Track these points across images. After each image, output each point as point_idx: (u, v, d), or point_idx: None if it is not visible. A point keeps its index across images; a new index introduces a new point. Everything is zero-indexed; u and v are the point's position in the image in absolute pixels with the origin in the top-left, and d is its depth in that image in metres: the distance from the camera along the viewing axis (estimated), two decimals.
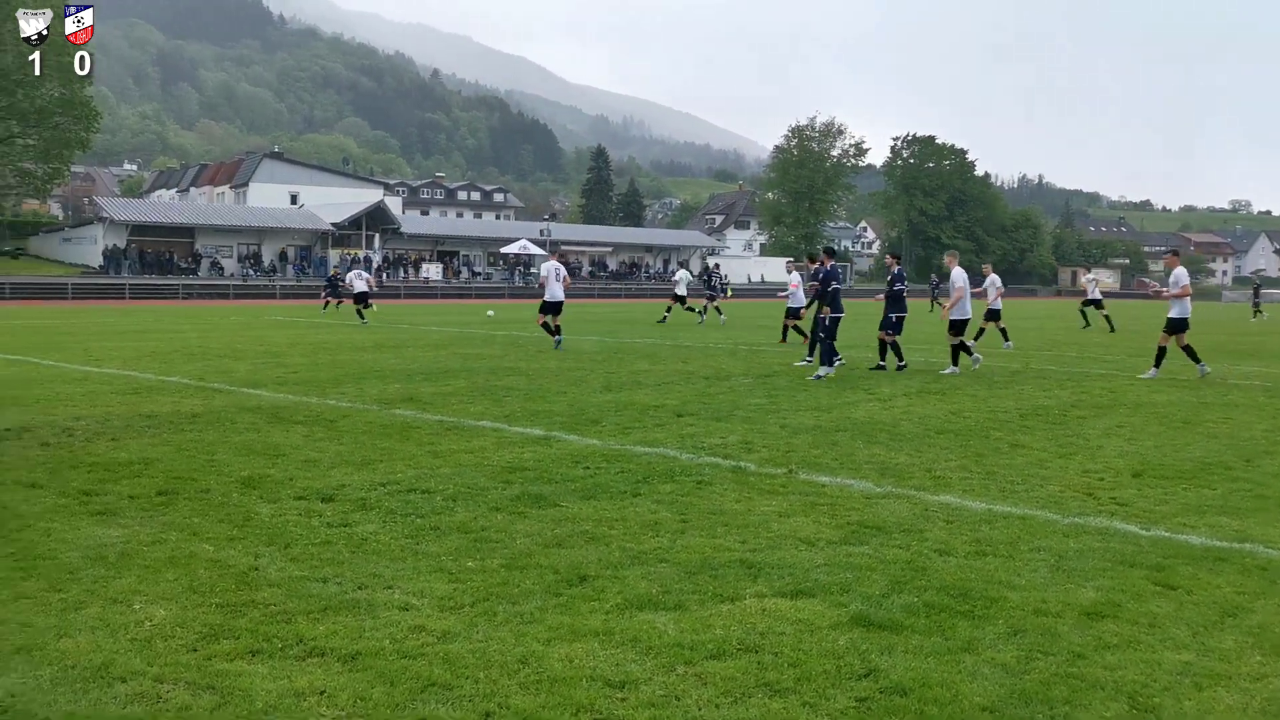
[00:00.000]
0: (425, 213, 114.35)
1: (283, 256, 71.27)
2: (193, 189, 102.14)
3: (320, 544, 5.92)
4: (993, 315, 22.65)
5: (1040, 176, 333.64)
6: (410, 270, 76.50)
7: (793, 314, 21.77)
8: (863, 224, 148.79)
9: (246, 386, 13.51)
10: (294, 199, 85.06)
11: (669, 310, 33.79)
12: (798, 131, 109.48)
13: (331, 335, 25.04)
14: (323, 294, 40.00)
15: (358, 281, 32.65)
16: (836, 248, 19.41)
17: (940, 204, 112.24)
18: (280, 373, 15.39)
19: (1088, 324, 32.35)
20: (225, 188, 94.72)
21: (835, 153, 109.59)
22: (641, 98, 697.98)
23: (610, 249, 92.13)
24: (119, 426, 9.97)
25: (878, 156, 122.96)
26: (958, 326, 16.92)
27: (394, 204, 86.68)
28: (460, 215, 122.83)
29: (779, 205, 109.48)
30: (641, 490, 7.52)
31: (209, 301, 52.77)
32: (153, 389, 13.09)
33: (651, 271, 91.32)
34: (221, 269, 68.30)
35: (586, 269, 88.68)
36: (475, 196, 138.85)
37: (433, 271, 76.21)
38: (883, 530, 6.45)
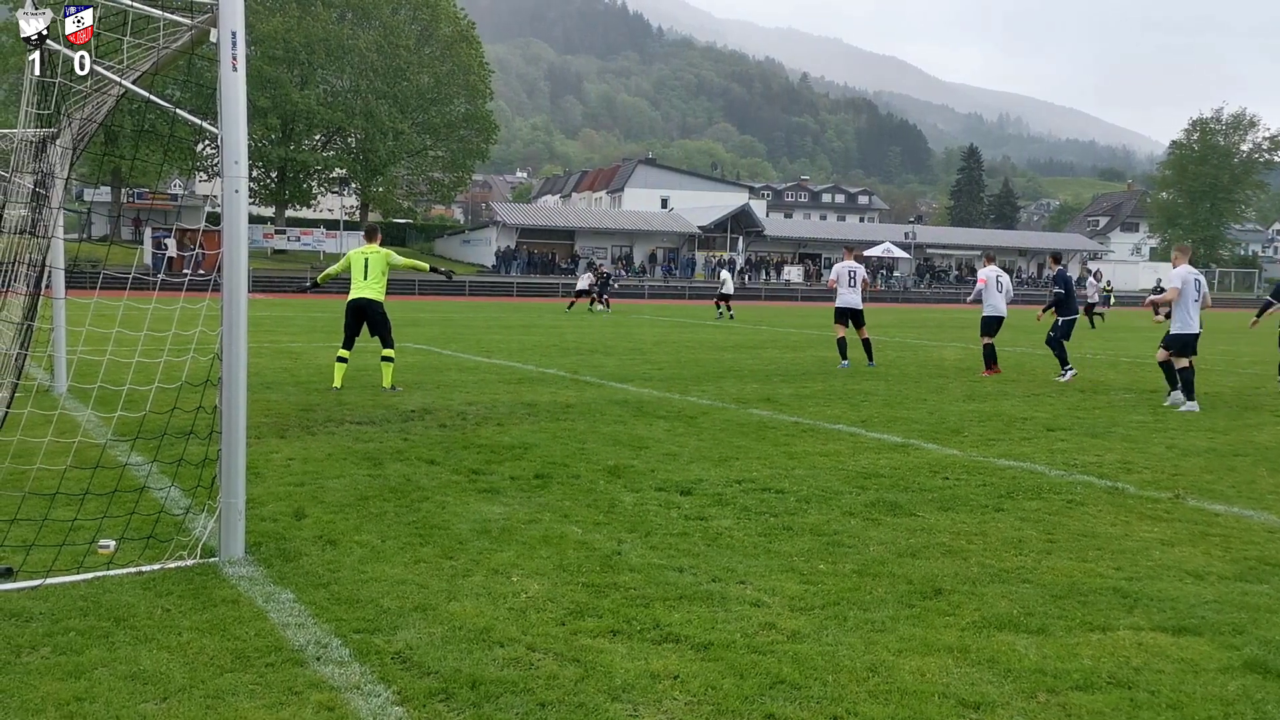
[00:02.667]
0: (789, 215, 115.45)
1: (652, 258, 74.65)
2: (574, 194, 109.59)
3: (678, 535, 6.14)
4: None
5: None
6: (772, 272, 77.56)
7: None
8: (1277, 226, 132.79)
9: (615, 381, 14.29)
10: (664, 203, 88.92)
11: (719, 311, 36.04)
12: (1200, 125, 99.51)
13: (694, 335, 25.91)
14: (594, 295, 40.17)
15: (582, 280, 40.48)
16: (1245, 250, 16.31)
17: None
18: (646, 369, 16.14)
19: None
20: (603, 193, 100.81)
21: (1245, 148, 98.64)
22: (1019, 94, 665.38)
23: (979, 253, 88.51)
24: (504, 413, 10.88)
25: None
26: (1175, 342, 12.76)
27: (758, 207, 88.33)
28: (824, 218, 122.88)
29: (1174, 206, 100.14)
30: (1004, 505, 7.16)
31: (585, 300, 56.22)
32: (533, 380, 14.16)
33: (1024, 276, 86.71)
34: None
35: (954, 273, 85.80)
36: (839, 199, 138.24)
37: (793, 274, 76.85)
38: None
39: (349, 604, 4.77)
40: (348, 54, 63.02)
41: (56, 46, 5.47)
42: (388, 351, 12.53)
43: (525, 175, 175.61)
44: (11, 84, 53.73)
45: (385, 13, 65.24)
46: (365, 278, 12.34)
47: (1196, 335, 12.82)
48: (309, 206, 69.34)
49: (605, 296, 40.11)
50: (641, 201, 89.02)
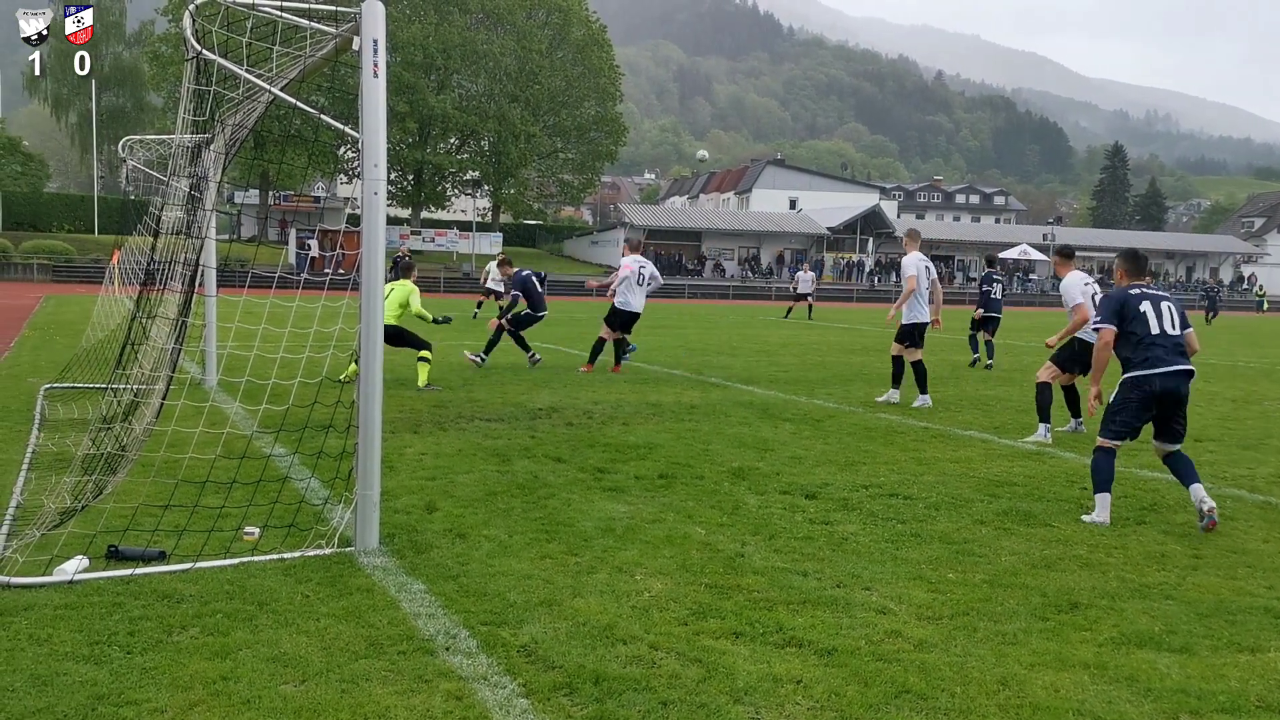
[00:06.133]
0: (921, 216, 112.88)
1: (779, 259, 74.09)
2: (701, 195, 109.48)
3: (802, 539, 6.09)
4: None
5: None
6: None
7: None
8: None
9: (740, 382, 14.24)
10: (793, 204, 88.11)
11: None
12: None
13: (821, 336, 25.62)
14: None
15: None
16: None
17: None
18: (772, 371, 16.03)
19: None
20: (730, 194, 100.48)
21: None
22: (1169, 89, 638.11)
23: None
24: (629, 412, 10.96)
25: None
26: (909, 334, 12.21)
27: (889, 208, 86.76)
28: (957, 219, 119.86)
29: None
30: (1147, 518, 6.88)
31: (710, 301, 56.24)
32: (658, 380, 14.22)
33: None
34: (723, 270, 72.48)
35: (1096, 274, 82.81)
36: (974, 200, 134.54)
37: None
38: None
39: (477, 596, 4.88)
40: (482, 59, 64.37)
41: (211, 56, 5.74)
42: (423, 353, 12.61)
43: (653, 177, 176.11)
44: (170, 91, 56.64)
45: (519, 17, 66.41)
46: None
47: (926, 324, 12.24)
48: (443, 208, 71.09)
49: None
50: (769, 203, 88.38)
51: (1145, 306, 6.91)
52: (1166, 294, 7.09)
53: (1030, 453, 9.22)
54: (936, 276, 12.47)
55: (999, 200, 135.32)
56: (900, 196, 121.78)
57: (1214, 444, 10.03)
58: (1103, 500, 6.80)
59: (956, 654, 4.34)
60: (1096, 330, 7.03)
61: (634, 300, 15.16)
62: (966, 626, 4.68)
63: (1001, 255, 75.91)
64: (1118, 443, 6.87)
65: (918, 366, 12.27)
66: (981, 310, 18.35)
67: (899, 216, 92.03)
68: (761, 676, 4.04)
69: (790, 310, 35.96)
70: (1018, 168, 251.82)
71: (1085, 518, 6.82)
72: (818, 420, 10.80)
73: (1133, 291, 7.04)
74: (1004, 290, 19.15)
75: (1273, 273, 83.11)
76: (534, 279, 15.73)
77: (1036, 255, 73.20)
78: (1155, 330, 6.85)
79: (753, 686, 3.95)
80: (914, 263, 12.23)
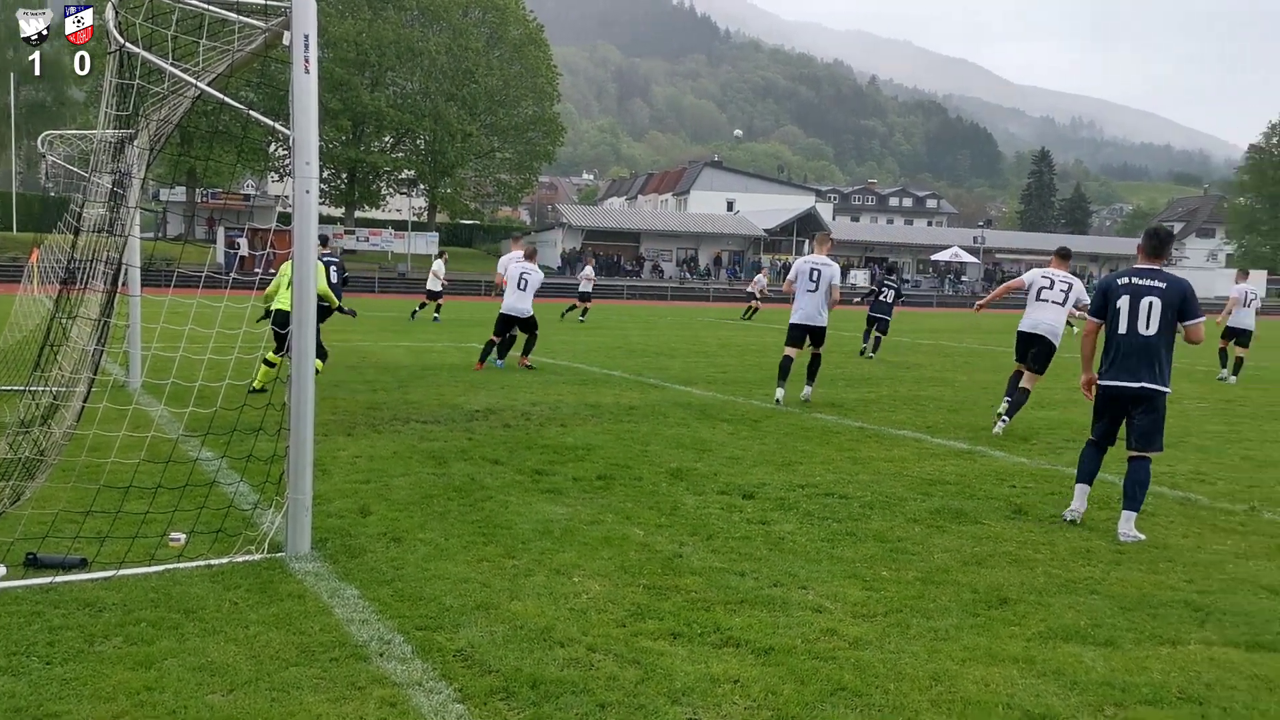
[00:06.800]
0: (855, 219, 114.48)
1: (717, 260, 74.50)
2: (640, 197, 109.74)
3: (740, 539, 6.11)
4: (1234, 335, 17.82)
5: None
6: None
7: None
8: None
9: (679, 383, 14.27)
10: (730, 205, 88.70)
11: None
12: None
13: (759, 338, 25.79)
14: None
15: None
16: None
17: None
18: (711, 371, 16.09)
19: None
20: (669, 195, 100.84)
21: None
22: (1093, 96, 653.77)
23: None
24: (568, 414, 10.92)
25: None
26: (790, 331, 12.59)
27: (825, 210, 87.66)
28: (891, 221, 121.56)
29: (1252, 211, 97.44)
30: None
31: (649, 302, 56.31)
32: (597, 381, 14.19)
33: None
34: (662, 272, 72.71)
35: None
36: (907, 203, 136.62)
37: (860, 278, 76.17)
38: None
39: (412, 601, 4.82)
40: (418, 57, 63.76)
41: (135, 50, 5.60)
42: (284, 361, 11.30)
43: (592, 177, 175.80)
44: (92, 86, 55.24)
45: (455, 15, 65.90)
46: (288, 288, 10.98)
47: (805, 327, 12.43)
48: (378, 208, 70.27)
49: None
50: (707, 204, 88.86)
51: (1122, 301, 6.53)
52: (1163, 285, 6.50)
53: (961, 451, 9.36)
54: (836, 283, 12.30)
55: (931, 203, 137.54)
56: (835, 199, 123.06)
57: None
58: (1079, 491, 6.93)
59: (890, 651, 4.38)
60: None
61: (514, 303, 15.27)
62: (900, 624, 4.73)
63: (934, 258, 77.37)
64: (1095, 440, 6.96)
65: (785, 360, 12.61)
66: (867, 305, 20.85)
67: (834, 219, 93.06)
68: (699, 677, 4.04)
69: (749, 311, 36.97)
70: (949, 172, 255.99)
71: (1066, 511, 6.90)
72: (755, 421, 10.86)
73: (1120, 281, 6.61)
74: (897, 296, 20.62)
75: (1192, 275, 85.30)
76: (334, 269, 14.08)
77: (967, 258, 74.54)
78: (1123, 330, 6.52)
79: (690, 687, 3.95)
80: (797, 264, 12.48)
